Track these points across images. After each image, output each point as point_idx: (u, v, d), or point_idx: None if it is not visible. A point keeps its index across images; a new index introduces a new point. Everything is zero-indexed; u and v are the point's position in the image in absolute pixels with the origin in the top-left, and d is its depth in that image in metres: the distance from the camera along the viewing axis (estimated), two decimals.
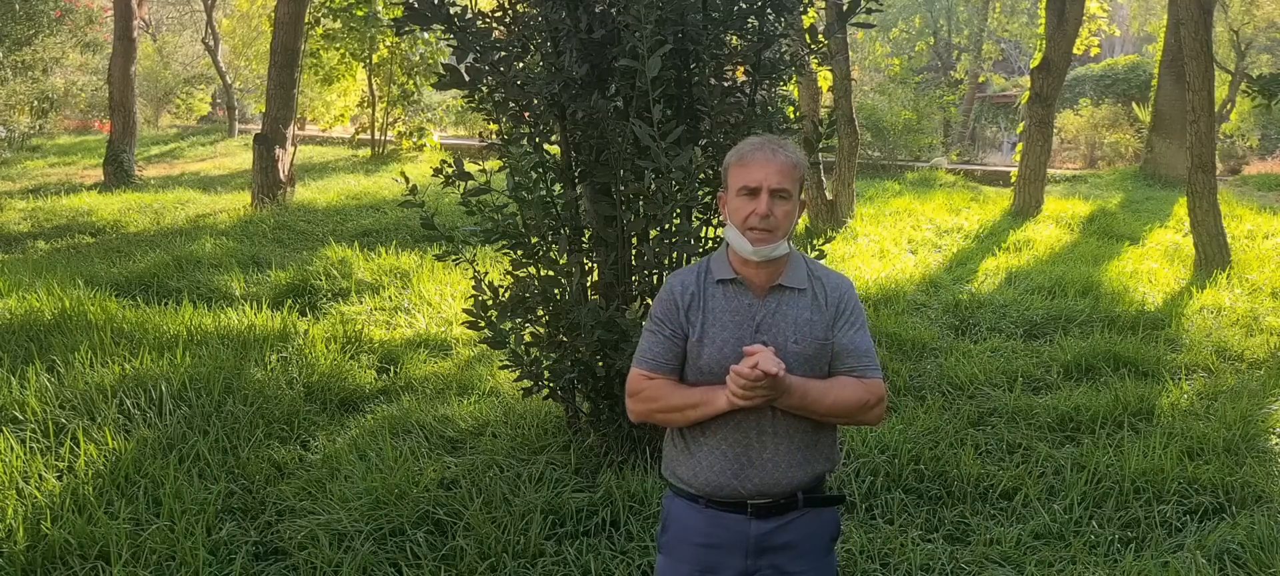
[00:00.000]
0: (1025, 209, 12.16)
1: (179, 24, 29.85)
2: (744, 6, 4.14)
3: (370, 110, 18.78)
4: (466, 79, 4.03)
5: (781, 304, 2.20)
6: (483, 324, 4.31)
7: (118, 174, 15.31)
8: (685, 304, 2.22)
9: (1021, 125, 13.87)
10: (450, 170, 4.12)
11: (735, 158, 2.21)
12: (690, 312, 2.21)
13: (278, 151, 12.29)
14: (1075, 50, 13.02)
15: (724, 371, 2.14)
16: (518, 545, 3.56)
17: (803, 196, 2.25)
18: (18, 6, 14.41)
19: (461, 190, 4.15)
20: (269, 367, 5.34)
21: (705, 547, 2.22)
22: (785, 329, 2.18)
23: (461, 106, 17.51)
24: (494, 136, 4.31)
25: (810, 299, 2.22)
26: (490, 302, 4.33)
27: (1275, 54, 22.22)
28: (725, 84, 4.28)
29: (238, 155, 19.47)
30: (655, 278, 4.24)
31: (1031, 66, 12.85)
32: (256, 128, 14.72)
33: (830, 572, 2.31)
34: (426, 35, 15.51)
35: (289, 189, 12.56)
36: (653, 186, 3.89)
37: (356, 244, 8.95)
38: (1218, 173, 9.10)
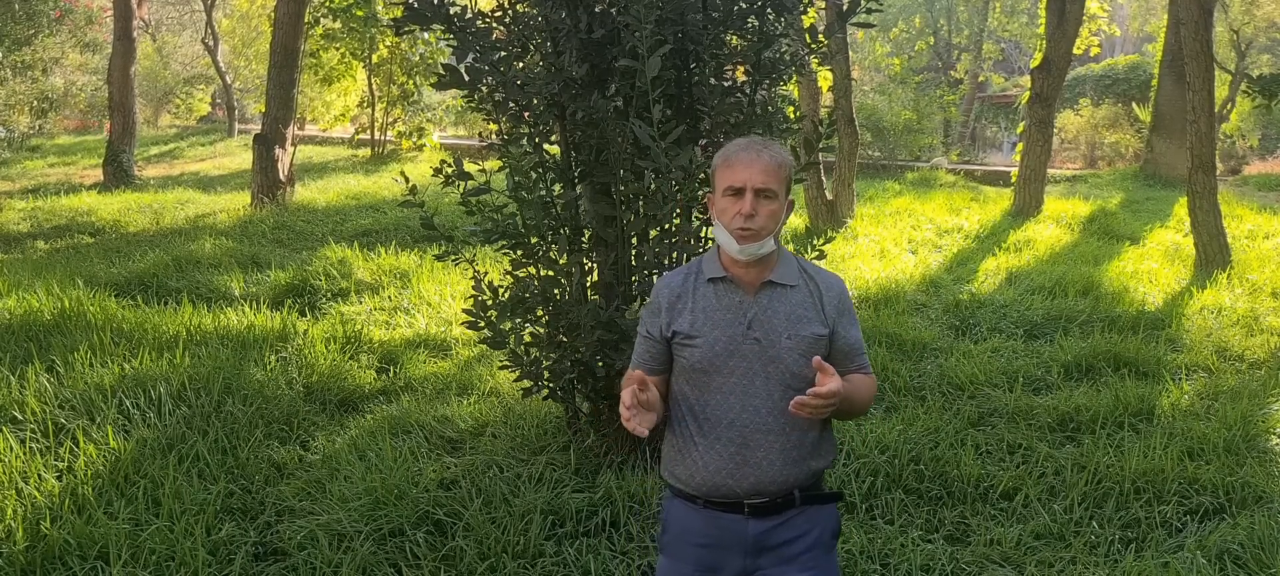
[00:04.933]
0: (1025, 209, 12.16)
1: (179, 24, 29.84)
2: (744, 6, 4.13)
3: (370, 110, 18.78)
4: (466, 79, 4.03)
5: (773, 300, 2.21)
6: (482, 324, 4.31)
7: (117, 174, 15.30)
8: (668, 305, 2.24)
9: (1021, 125, 13.87)
10: (450, 170, 4.11)
11: (721, 158, 2.22)
12: (675, 313, 2.23)
13: (277, 151, 12.29)
14: (1075, 50, 13.01)
15: (715, 368, 2.18)
16: (518, 545, 3.56)
17: (791, 196, 2.26)
18: (17, 6, 14.41)
19: (461, 190, 4.14)
20: (268, 368, 5.34)
21: (704, 547, 2.22)
22: (778, 325, 2.19)
23: (461, 106, 17.49)
24: (494, 136, 4.31)
25: (803, 295, 2.24)
26: (490, 302, 4.33)
27: (1275, 54, 22.22)
28: (725, 84, 4.27)
29: (237, 155, 19.47)
30: (655, 277, 4.23)
31: (1032, 66, 12.84)
32: (256, 128, 14.71)
33: (831, 570, 2.30)
34: (426, 35, 15.51)
35: (289, 189, 12.56)
36: (653, 186, 3.88)
37: (356, 244, 8.95)
38: (1218, 173, 9.09)
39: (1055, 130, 15.49)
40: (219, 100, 27.24)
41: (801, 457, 2.21)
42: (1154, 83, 16.83)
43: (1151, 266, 8.86)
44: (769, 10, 4.15)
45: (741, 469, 2.18)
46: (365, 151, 19.36)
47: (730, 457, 2.18)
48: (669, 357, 2.26)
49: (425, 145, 18.55)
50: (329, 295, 7.49)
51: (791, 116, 4.43)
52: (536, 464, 4.22)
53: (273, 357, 5.49)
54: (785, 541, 2.21)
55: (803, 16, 4.40)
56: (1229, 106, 19.41)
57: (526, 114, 4.20)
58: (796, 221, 11.31)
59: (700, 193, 4.13)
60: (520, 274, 4.31)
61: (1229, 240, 8.80)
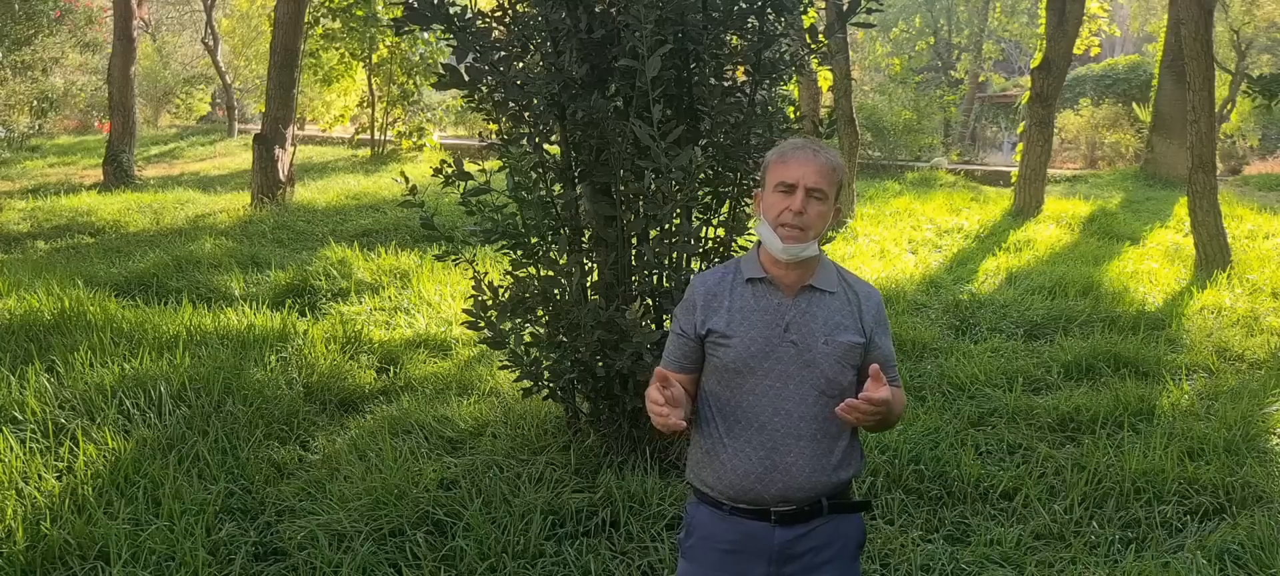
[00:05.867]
0: (1025, 209, 12.17)
1: (179, 24, 29.87)
2: (744, 6, 4.13)
3: (370, 110, 18.78)
4: (466, 79, 4.03)
5: (812, 304, 2.19)
6: (482, 324, 4.31)
7: (117, 174, 15.31)
8: (703, 303, 2.22)
9: (1022, 125, 13.87)
10: (450, 170, 4.11)
11: (776, 155, 2.21)
12: (710, 311, 2.20)
13: (277, 151, 12.29)
14: (1075, 50, 13.02)
15: (749, 369, 2.15)
16: (518, 545, 3.56)
17: (838, 203, 2.25)
18: (17, 6, 14.42)
19: (461, 190, 4.14)
20: (268, 368, 5.34)
21: (728, 553, 2.20)
22: (815, 329, 2.17)
23: (461, 106, 17.50)
24: (494, 136, 4.31)
25: (841, 302, 2.22)
26: (490, 302, 4.33)
27: (1275, 54, 22.22)
28: (725, 84, 4.27)
29: (237, 155, 19.47)
30: (655, 278, 4.23)
31: (1032, 66, 12.84)
32: (256, 128, 14.72)
33: None
34: (426, 35, 15.51)
35: (289, 189, 12.56)
36: (653, 186, 3.88)
37: (356, 244, 8.95)
38: (1218, 172, 9.10)
39: (1055, 130, 15.51)
40: (219, 100, 27.25)
41: (830, 465, 2.19)
42: (1154, 83, 16.84)
43: (1151, 266, 8.86)
44: (769, 10, 4.15)
45: (770, 473, 2.15)
46: (365, 151, 19.37)
47: (759, 461, 2.15)
48: (700, 356, 2.23)
49: (425, 145, 18.56)
50: (329, 295, 7.50)
51: (791, 116, 4.43)
52: (536, 464, 4.22)
53: (273, 358, 5.49)
54: (810, 550, 2.19)
55: (803, 16, 4.40)
56: (1229, 106, 19.42)
57: (526, 114, 4.20)
58: None
59: (700, 193, 4.13)
60: (520, 274, 4.31)
61: (1229, 240, 8.79)
